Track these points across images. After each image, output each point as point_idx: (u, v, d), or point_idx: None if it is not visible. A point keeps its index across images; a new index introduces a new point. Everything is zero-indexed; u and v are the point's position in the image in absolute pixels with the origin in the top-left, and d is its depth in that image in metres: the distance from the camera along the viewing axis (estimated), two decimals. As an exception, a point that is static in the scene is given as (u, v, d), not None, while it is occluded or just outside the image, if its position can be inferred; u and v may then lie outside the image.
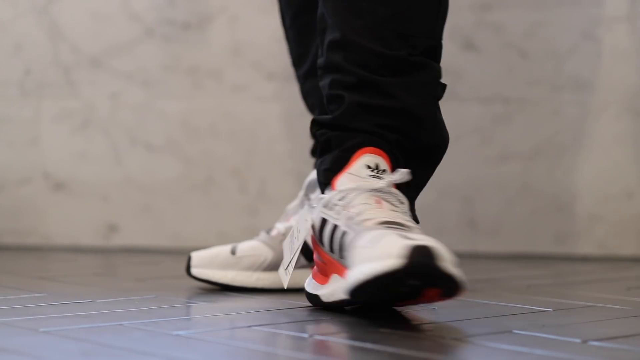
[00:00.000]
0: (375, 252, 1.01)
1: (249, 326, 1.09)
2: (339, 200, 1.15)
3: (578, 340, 1.01)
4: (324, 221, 1.16)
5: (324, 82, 1.24)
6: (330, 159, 1.21)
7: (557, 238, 2.17)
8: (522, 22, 2.19)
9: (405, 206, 1.17)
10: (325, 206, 1.16)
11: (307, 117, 2.43)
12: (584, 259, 2.13)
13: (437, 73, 1.25)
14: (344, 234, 1.11)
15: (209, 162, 2.20)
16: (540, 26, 2.19)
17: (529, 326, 1.11)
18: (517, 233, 2.19)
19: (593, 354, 0.93)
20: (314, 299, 1.19)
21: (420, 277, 1.01)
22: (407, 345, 0.98)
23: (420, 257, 0.99)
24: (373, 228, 1.08)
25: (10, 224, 2.19)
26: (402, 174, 1.18)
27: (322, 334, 1.04)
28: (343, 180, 1.17)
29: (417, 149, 1.23)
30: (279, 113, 2.19)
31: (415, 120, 1.22)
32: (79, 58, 2.19)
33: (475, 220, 2.20)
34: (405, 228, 1.09)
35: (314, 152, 1.58)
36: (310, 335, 1.05)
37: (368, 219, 1.10)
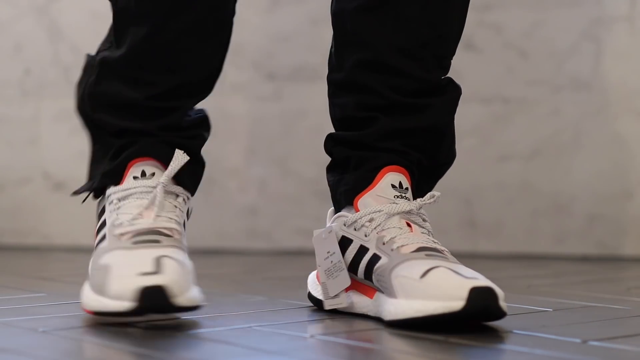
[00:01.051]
0: (430, 290, 1.02)
1: (249, 326, 1.09)
2: (368, 222, 1.14)
3: (578, 340, 1.01)
4: (346, 240, 1.15)
5: (345, 100, 1.19)
6: (352, 179, 1.18)
7: (557, 238, 2.17)
8: (522, 22, 2.19)
9: (429, 224, 1.17)
10: (350, 226, 1.15)
11: (307, 117, 2.44)
12: (584, 259, 2.13)
13: (460, 90, 1.25)
14: (374, 257, 1.11)
15: (209, 162, 2.19)
16: (540, 26, 2.19)
17: (529, 326, 1.11)
18: (517, 233, 2.19)
19: (593, 354, 0.93)
20: (319, 303, 1.19)
21: (479, 317, 1.02)
22: (406, 345, 0.98)
23: (481, 300, 1.01)
24: (413, 257, 1.08)
25: (10, 223, 2.19)
26: (432, 197, 1.18)
27: (322, 334, 1.04)
28: (369, 201, 1.15)
29: (431, 165, 1.23)
30: (279, 113, 2.19)
31: (439, 139, 1.22)
32: (78, 58, 2.18)
33: (475, 220, 2.20)
34: (443, 256, 1.09)
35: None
36: (311, 336, 1.05)
37: (403, 245, 1.10)
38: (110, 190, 1.16)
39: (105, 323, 1.11)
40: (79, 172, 2.26)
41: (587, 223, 2.16)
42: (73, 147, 2.20)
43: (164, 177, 1.14)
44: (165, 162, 1.17)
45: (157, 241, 1.08)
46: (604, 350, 0.96)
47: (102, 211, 1.17)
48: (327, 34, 2.38)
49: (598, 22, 2.16)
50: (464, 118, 2.29)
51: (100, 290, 1.05)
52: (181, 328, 1.07)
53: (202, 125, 1.24)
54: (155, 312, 1.03)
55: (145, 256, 1.06)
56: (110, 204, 1.14)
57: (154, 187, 1.14)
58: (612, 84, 2.17)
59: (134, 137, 1.18)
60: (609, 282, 1.76)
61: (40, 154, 2.22)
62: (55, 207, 2.19)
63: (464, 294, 1.00)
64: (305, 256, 1.93)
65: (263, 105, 2.21)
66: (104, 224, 1.14)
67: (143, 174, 1.15)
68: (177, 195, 1.17)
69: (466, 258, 2.10)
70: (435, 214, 2.24)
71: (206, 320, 1.14)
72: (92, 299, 1.07)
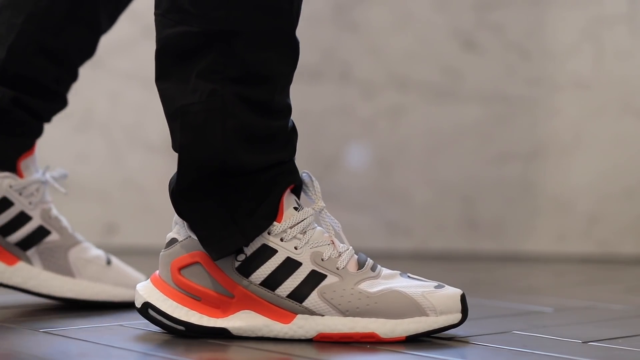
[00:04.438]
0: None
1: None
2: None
3: (578, 341, 1.01)
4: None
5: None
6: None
7: (557, 238, 2.17)
8: (522, 22, 2.19)
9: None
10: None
11: (307, 117, 2.44)
12: (584, 259, 2.13)
13: None
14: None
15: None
16: (540, 26, 2.19)
17: (529, 326, 1.11)
18: (517, 233, 2.19)
19: (593, 355, 0.93)
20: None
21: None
22: (407, 345, 0.98)
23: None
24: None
25: (10, 223, 2.19)
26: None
27: (322, 334, 1.04)
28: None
29: None
30: (279, 113, 2.19)
31: None
32: (78, 58, 2.19)
33: (475, 220, 2.20)
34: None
35: None
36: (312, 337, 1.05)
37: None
38: (280, 226, 1.02)
39: (105, 323, 1.11)
40: (79, 172, 2.26)
41: (588, 223, 2.16)
42: (73, 147, 2.20)
43: (321, 202, 1.08)
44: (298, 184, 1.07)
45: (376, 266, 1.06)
46: (604, 351, 0.96)
47: (266, 250, 1.02)
48: (327, 34, 2.39)
49: (598, 22, 2.16)
50: (464, 118, 2.30)
51: (411, 313, 1.01)
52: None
53: None
54: (466, 318, 1.03)
55: (402, 277, 1.05)
56: (290, 239, 1.01)
57: (318, 213, 1.06)
58: (612, 84, 2.17)
59: (279, 167, 1.04)
60: (609, 282, 1.76)
61: (39, 153, 2.22)
62: (54, 207, 2.19)
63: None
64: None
65: (263, 105, 2.21)
66: (291, 262, 1.02)
67: (297, 204, 1.05)
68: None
69: (466, 258, 2.10)
70: (435, 214, 2.24)
71: (206, 320, 1.14)
72: (406, 324, 1.01)
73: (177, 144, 1.01)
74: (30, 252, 1.23)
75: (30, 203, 1.24)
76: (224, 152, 1.00)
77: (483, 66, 2.20)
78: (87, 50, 1.30)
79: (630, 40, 2.17)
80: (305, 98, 2.21)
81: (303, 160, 2.18)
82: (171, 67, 1.00)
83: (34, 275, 1.23)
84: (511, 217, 2.19)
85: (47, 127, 2.01)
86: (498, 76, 2.20)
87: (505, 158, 2.20)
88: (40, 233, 1.24)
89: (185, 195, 1.02)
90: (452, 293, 1.02)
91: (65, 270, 1.24)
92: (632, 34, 2.17)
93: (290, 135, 1.06)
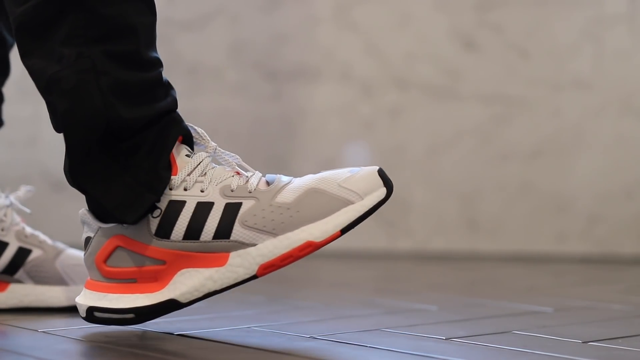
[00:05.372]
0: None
1: (249, 327, 1.09)
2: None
3: (578, 341, 1.01)
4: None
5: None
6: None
7: (557, 238, 2.17)
8: (522, 22, 2.19)
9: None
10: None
11: (307, 117, 2.44)
12: (584, 259, 2.13)
13: None
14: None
15: (208, 161, 2.20)
16: (540, 26, 2.19)
17: (529, 326, 1.11)
18: (517, 233, 2.19)
19: (593, 355, 0.93)
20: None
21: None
22: (406, 345, 0.98)
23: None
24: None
25: (9, 223, 2.19)
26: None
27: (322, 334, 1.04)
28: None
29: None
30: (279, 113, 2.19)
31: None
32: (78, 58, 2.19)
33: (475, 220, 2.20)
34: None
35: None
36: (311, 336, 1.05)
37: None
38: (178, 178, 1.02)
39: (105, 328, 1.11)
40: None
41: (588, 223, 2.16)
42: (73, 147, 2.20)
43: (212, 142, 1.07)
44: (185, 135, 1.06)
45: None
46: (604, 351, 0.96)
47: (174, 205, 1.02)
48: (327, 34, 2.39)
49: (598, 22, 2.16)
50: (464, 118, 2.30)
51: (336, 208, 1.00)
52: (181, 329, 1.07)
53: None
54: (391, 189, 1.02)
55: (316, 178, 1.03)
56: (193, 185, 1.01)
57: (213, 154, 1.06)
58: (612, 84, 2.17)
59: (165, 119, 1.04)
60: (609, 282, 1.76)
61: (39, 153, 2.22)
62: (54, 207, 2.19)
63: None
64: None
65: (263, 105, 2.21)
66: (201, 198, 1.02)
67: (189, 151, 1.04)
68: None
69: (466, 258, 2.10)
70: (435, 214, 2.24)
71: (206, 321, 1.14)
72: (335, 219, 1.00)
73: (58, 116, 1.03)
74: (19, 275, 1.23)
75: (2, 229, 1.24)
76: (105, 110, 1.00)
77: (483, 66, 2.20)
78: (2, 67, 1.30)
79: (630, 40, 2.17)
80: (305, 98, 2.21)
81: (303, 160, 2.18)
82: (33, 42, 1.01)
83: (29, 292, 1.23)
84: (511, 217, 2.19)
85: (46, 127, 2.01)
86: (498, 76, 2.20)
87: (505, 158, 2.20)
88: (22, 254, 1.24)
89: (82, 170, 1.02)
90: (368, 172, 1.02)
91: (58, 280, 1.23)
92: (632, 34, 2.17)
93: (167, 88, 1.06)
